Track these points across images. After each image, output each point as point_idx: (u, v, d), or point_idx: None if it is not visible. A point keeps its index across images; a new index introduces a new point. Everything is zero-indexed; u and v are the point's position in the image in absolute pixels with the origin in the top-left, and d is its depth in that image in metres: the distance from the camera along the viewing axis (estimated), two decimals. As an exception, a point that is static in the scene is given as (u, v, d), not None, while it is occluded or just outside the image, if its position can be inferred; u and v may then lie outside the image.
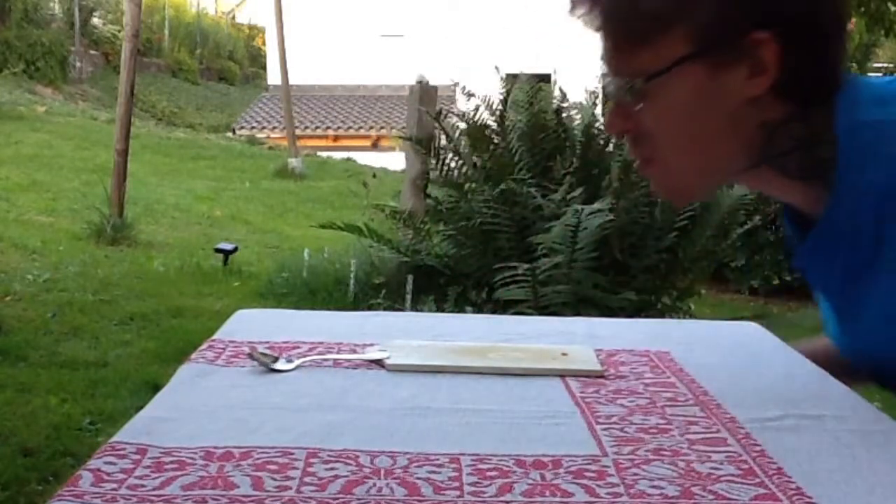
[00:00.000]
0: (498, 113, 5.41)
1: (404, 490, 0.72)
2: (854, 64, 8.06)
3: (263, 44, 25.46)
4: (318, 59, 20.89)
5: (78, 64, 19.48)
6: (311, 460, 0.77)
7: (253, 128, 19.89)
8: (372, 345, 1.10)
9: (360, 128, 20.32)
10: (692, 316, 5.22)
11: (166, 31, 23.83)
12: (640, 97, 0.96)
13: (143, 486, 0.72)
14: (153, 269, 6.76)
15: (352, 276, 5.80)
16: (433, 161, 5.54)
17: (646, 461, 0.79)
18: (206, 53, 25.74)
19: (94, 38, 20.86)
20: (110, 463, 0.76)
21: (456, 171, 5.45)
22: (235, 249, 7.18)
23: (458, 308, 4.82)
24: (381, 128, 19.69)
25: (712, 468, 0.78)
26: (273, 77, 20.41)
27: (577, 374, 1.02)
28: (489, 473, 0.76)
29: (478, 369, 1.03)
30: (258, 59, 27.38)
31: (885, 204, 0.92)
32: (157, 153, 12.94)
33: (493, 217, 4.94)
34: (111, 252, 7.15)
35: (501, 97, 5.50)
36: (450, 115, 5.93)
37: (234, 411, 0.89)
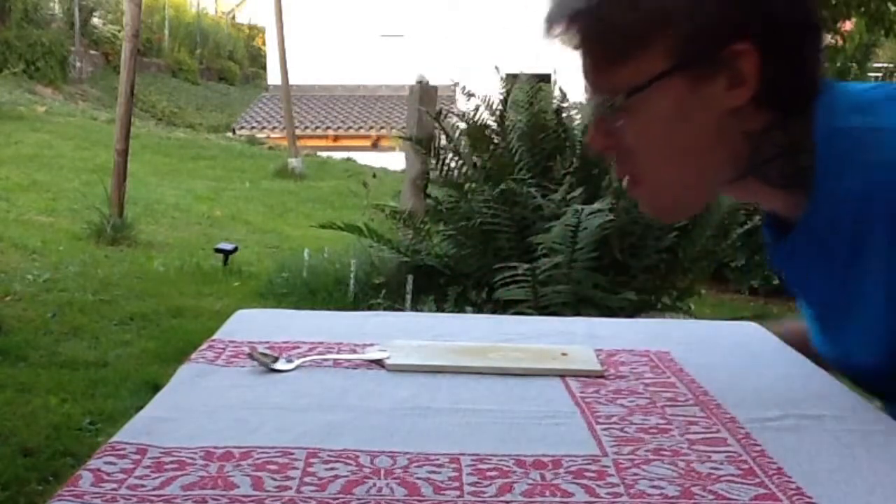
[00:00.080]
0: (498, 113, 5.41)
1: (404, 490, 0.72)
2: (854, 64, 8.06)
3: (263, 44, 25.45)
4: (318, 59, 20.89)
5: (78, 64, 19.47)
6: (311, 460, 0.77)
7: (253, 128, 19.89)
8: (372, 345, 1.10)
9: (360, 128, 20.32)
10: (692, 316, 5.22)
11: (166, 31, 23.82)
12: (622, 113, 0.97)
13: (143, 486, 0.72)
14: (153, 269, 6.75)
15: (352, 276, 5.80)
16: (433, 161, 5.54)
17: (646, 461, 0.79)
18: (206, 53, 25.73)
19: (94, 38, 20.86)
20: (110, 463, 0.76)
21: (456, 171, 5.45)
22: (235, 249, 7.18)
23: (458, 308, 4.81)
24: (381, 128, 19.69)
25: (712, 468, 0.78)
26: (273, 77, 20.41)
27: (577, 374, 1.02)
28: (489, 473, 0.76)
29: (478, 369, 1.03)
30: (258, 59, 27.38)
31: (863, 211, 0.92)
32: (157, 153, 12.93)
33: (493, 217, 4.93)
34: (111, 252, 7.15)
35: (501, 97, 5.50)
36: (450, 115, 5.93)
37: (234, 411, 0.89)
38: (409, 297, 5.17)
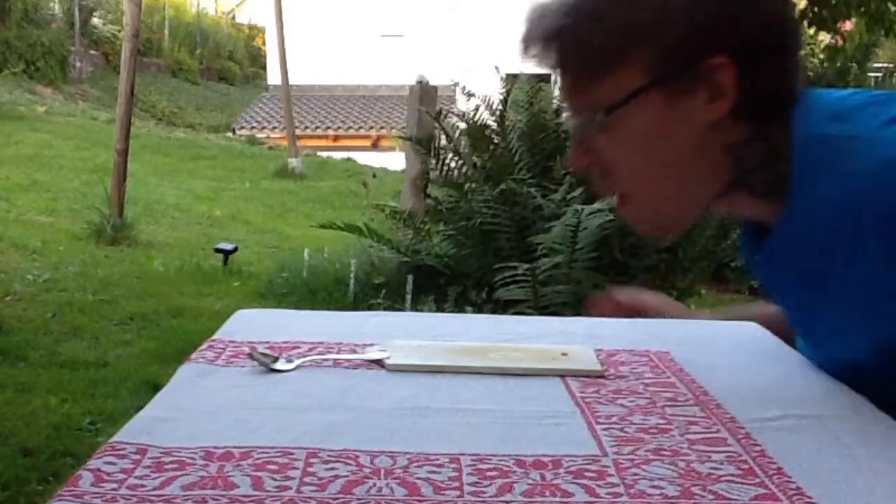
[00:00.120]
0: (498, 113, 5.42)
1: (404, 490, 0.72)
2: (854, 64, 8.06)
3: (263, 44, 25.45)
4: (318, 59, 20.88)
5: (78, 64, 19.47)
6: (311, 460, 0.77)
7: (253, 128, 19.89)
8: (372, 345, 1.10)
9: (360, 128, 20.32)
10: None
11: (166, 31, 23.82)
12: (602, 130, 0.97)
13: (143, 486, 0.72)
14: (153, 269, 6.76)
15: (352, 276, 5.80)
16: (433, 161, 5.54)
17: (646, 461, 0.79)
18: (206, 53, 25.73)
19: (94, 38, 20.85)
20: (110, 463, 0.76)
21: (456, 171, 5.45)
22: (235, 249, 7.18)
23: (458, 308, 4.82)
24: (381, 128, 19.68)
25: (712, 468, 0.78)
26: (273, 77, 20.41)
27: (577, 374, 1.02)
28: (489, 473, 0.76)
29: (478, 369, 1.03)
30: (258, 59, 27.38)
31: (840, 219, 0.92)
32: (157, 153, 12.94)
33: (493, 217, 4.94)
34: (111, 252, 7.15)
35: (501, 97, 5.51)
36: (450, 115, 5.93)
37: (234, 411, 0.89)
38: (409, 297, 5.17)
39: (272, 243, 8.53)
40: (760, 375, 1.05)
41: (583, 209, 4.51)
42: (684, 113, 0.95)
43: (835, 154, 0.93)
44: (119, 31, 16.69)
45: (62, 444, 3.42)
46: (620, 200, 1.03)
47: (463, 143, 5.49)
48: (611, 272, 4.74)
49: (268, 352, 1.04)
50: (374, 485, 0.73)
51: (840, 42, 7.78)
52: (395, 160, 11.10)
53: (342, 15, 20.99)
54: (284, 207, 10.65)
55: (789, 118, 0.96)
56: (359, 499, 0.71)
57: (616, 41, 0.95)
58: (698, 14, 0.94)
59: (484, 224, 4.96)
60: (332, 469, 0.76)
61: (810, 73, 8.09)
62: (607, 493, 0.73)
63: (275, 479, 0.73)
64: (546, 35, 0.98)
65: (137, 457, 0.77)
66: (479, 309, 4.77)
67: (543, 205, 4.82)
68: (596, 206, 4.54)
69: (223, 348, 1.09)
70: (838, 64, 8.01)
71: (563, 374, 1.02)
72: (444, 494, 0.72)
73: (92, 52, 20.45)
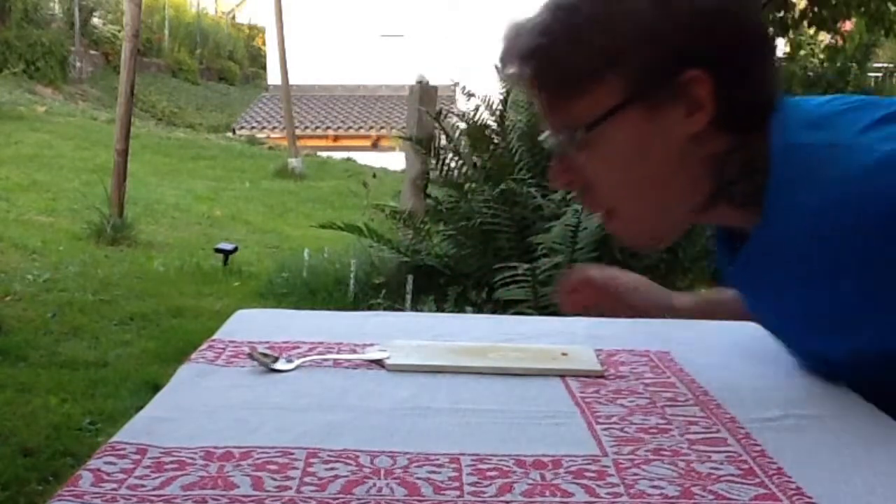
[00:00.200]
0: (498, 113, 5.42)
1: (404, 490, 0.72)
2: (854, 64, 8.07)
3: (263, 44, 25.45)
4: (318, 59, 20.88)
5: (78, 64, 19.46)
6: (311, 460, 0.77)
7: (253, 128, 19.89)
8: (372, 345, 1.10)
9: (360, 128, 20.32)
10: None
11: (166, 31, 23.81)
12: (582, 148, 0.97)
13: (143, 486, 0.72)
14: (153, 269, 6.76)
15: (352, 276, 5.80)
16: (433, 161, 5.54)
17: (646, 461, 0.79)
18: (206, 53, 25.72)
19: (94, 38, 20.84)
20: (110, 463, 0.76)
21: (456, 171, 5.46)
22: (235, 249, 7.18)
23: (458, 308, 4.82)
24: (381, 128, 19.68)
25: (712, 468, 0.78)
26: (273, 77, 20.41)
27: (577, 374, 1.02)
28: (489, 473, 0.76)
29: (478, 369, 1.03)
30: (258, 59, 27.37)
31: (819, 226, 0.92)
32: (157, 153, 12.93)
33: (493, 217, 4.94)
34: (111, 252, 7.15)
35: (501, 97, 5.50)
36: (450, 115, 5.93)
37: (234, 411, 0.89)
38: (409, 297, 5.17)
39: (272, 243, 8.53)
40: (760, 375, 1.05)
41: (583, 209, 4.51)
42: (663, 127, 0.95)
43: (813, 162, 0.93)
44: (119, 31, 16.69)
45: (62, 444, 3.42)
46: (606, 216, 1.04)
47: (463, 143, 5.50)
48: (611, 272, 4.73)
49: (268, 352, 1.04)
50: (374, 485, 0.73)
51: (840, 42, 7.78)
52: (395, 160, 11.11)
53: (342, 15, 20.99)
54: (284, 207, 10.65)
55: (767, 127, 0.96)
56: (359, 499, 0.71)
57: (592, 60, 0.95)
58: (673, 30, 0.94)
59: (484, 224, 4.97)
60: (332, 469, 0.76)
61: (810, 73, 8.10)
62: (607, 493, 0.73)
63: (275, 479, 0.73)
64: (522, 55, 0.98)
65: (137, 457, 0.77)
66: (479, 309, 4.77)
67: (543, 205, 4.82)
68: (596, 206, 4.53)
69: (223, 348, 1.09)
70: (838, 64, 8.01)
71: (563, 374, 1.02)
72: (444, 494, 0.72)
73: (92, 52, 20.44)
